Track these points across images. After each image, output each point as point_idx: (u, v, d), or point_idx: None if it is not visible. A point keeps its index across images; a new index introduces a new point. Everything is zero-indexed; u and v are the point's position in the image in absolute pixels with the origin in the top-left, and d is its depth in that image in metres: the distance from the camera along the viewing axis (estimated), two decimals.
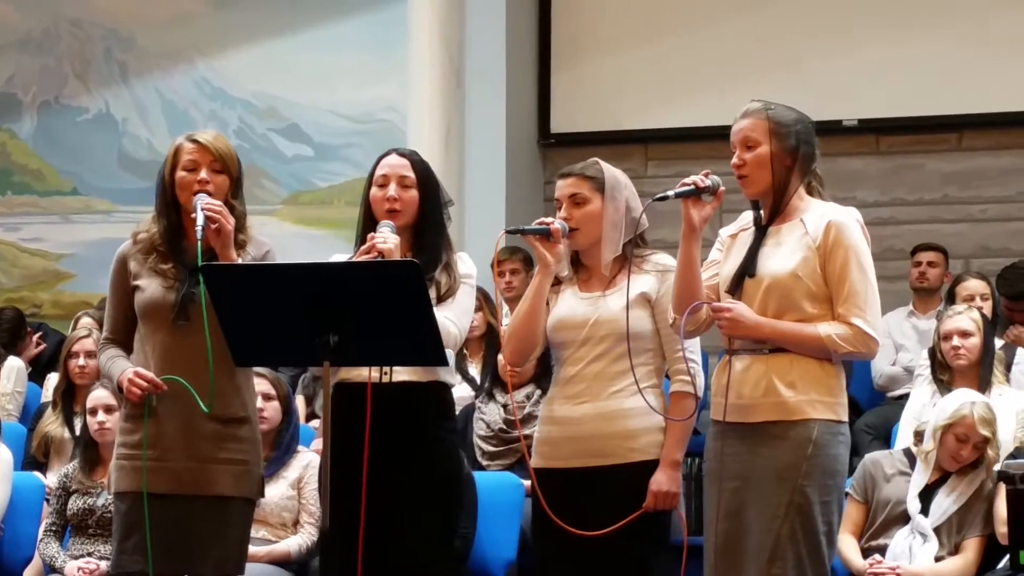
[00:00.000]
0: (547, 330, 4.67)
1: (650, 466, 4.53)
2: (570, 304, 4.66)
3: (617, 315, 4.51)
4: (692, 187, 4.21)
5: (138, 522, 4.42)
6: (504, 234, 4.69)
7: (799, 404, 4.18)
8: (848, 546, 5.57)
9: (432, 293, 4.51)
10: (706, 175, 4.23)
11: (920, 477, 5.63)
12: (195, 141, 4.57)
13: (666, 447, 4.54)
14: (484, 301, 7.48)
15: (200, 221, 4.39)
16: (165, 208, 4.60)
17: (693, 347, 4.59)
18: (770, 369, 4.20)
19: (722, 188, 4.24)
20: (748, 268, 4.25)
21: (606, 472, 4.53)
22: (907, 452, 5.75)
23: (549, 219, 4.61)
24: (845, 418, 4.27)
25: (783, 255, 4.22)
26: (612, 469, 4.53)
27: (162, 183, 4.60)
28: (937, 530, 5.53)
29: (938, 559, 5.51)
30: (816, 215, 4.25)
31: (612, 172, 4.69)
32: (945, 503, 5.57)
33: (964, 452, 5.57)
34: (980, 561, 5.52)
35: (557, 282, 4.70)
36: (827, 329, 4.17)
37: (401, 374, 4.55)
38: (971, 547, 5.53)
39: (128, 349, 4.61)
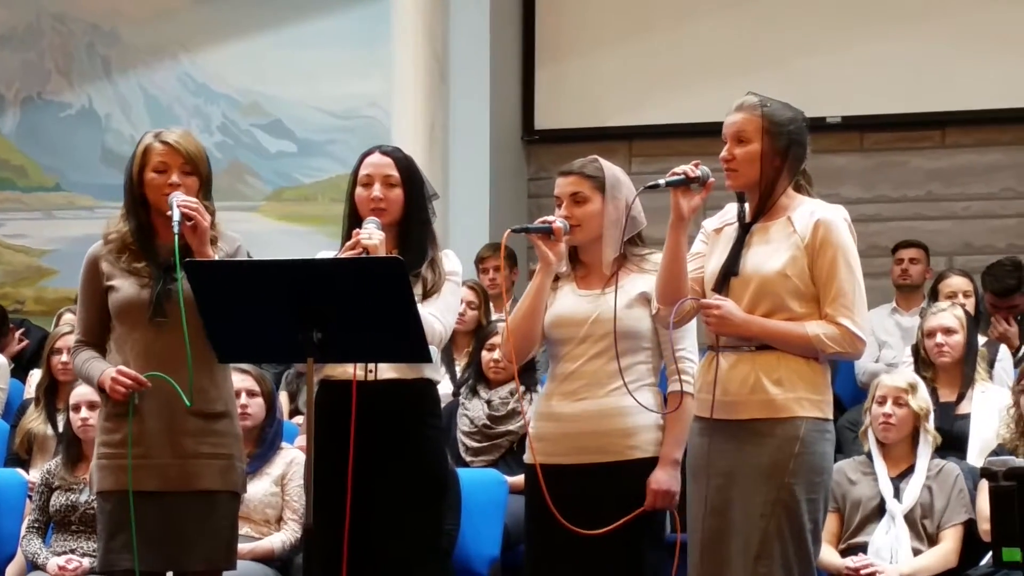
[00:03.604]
0: (544, 326, 4.67)
1: (648, 464, 4.54)
2: (569, 301, 4.66)
3: (618, 313, 4.51)
4: (682, 176, 4.21)
5: (125, 520, 4.41)
6: (509, 233, 4.65)
7: (786, 402, 4.18)
8: (827, 553, 5.56)
9: (418, 289, 4.51)
10: (696, 165, 4.23)
11: (880, 464, 5.67)
12: (165, 142, 4.54)
13: (665, 446, 4.55)
14: (481, 297, 7.48)
15: (176, 217, 4.38)
16: (134, 207, 4.58)
17: (691, 346, 4.60)
18: (757, 366, 4.20)
19: (711, 179, 4.24)
20: (732, 267, 4.25)
21: (604, 469, 4.53)
22: (868, 454, 5.76)
23: (551, 217, 4.61)
24: (831, 416, 4.29)
25: (771, 253, 4.23)
26: (610, 466, 4.53)
27: (130, 181, 4.58)
28: (913, 521, 5.55)
29: (917, 552, 5.52)
30: (804, 213, 4.26)
31: (612, 171, 4.69)
32: (915, 489, 5.59)
33: (886, 409, 5.65)
34: (960, 550, 5.54)
35: (555, 279, 4.71)
36: (815, 329, 4.18)
37: (386, 372, 4.55)
38: (950, 536, 5.56)
39: (102, 351, 4.60)
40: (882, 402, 5.69)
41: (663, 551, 4.59)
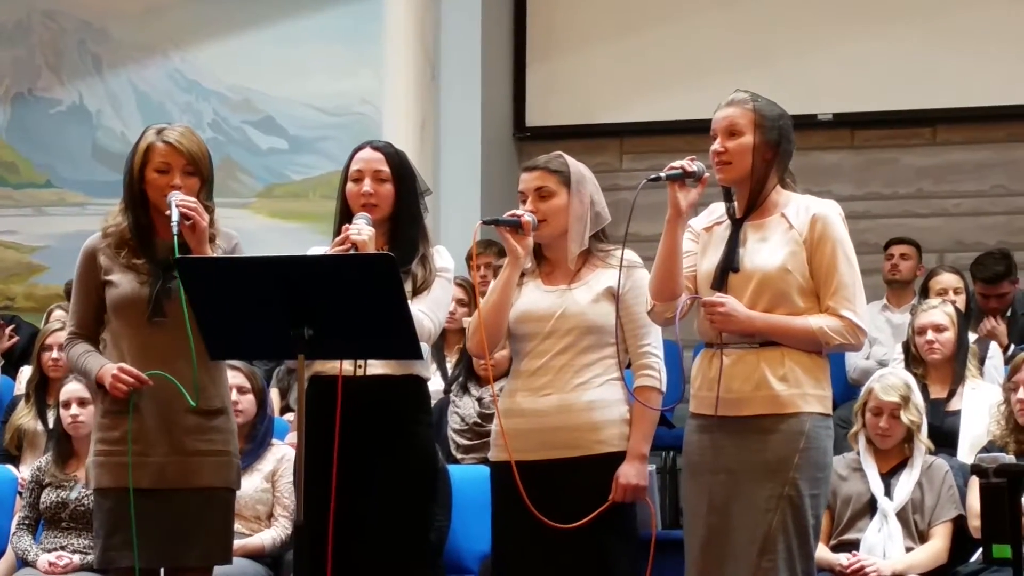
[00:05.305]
0: (509, 322, 4.67)
1: (615, 458, 4.55)
2: (534, 297, 4.67)
3: (584, 308, 4.56)
4: (680, 170, 4.22)
5: (125, 518, 4.40)
6: (480, 225, 4.68)
7: (791, 397, 4.19)
8: (818, 550, 5.55)
9: (407, 286, 4.50)
10: (691, 160, 4.24)
11: (870, 462, 5.66)
12: (167, 142, 4.51)
13: (633, 440, 4.56)
14: (471, 294, 7.47)
15: (175, 217, 4.36)
16: (133, 204, 4.55)
17: (656, 342, 4.62)
18: (762, 362, 4.21)
19: (706, 175, 4.25)
20: (731, 263, 4.26)
21: (571, 464, 4.54)
22: (857, 452, 5.76)
23: (520, 211, 4.62)
24: (831, 411, 4.30)
25: (771, 249, 4.24)
26: (577, 461, 4.54)
27: (130, 177, 4.55)
28: (905, 519, 5.55)
29: (909, 549, 5.52)
30: (799, 208, 4.27)
31: (577, 166, 4.72)
32: (906, 487, 5.57)
33: (882, 423, 5.62)
34: (950, 547, 5.54)
35: (520, 274, 4.71)
36: (819, 321, 4.20)
37: (376, 368, 4.55)
38: (940, 534, 5.55)
39: (96, 344, 4.59)
40: (878, 413, 5.66)
41: (634, 545, 4.58)
